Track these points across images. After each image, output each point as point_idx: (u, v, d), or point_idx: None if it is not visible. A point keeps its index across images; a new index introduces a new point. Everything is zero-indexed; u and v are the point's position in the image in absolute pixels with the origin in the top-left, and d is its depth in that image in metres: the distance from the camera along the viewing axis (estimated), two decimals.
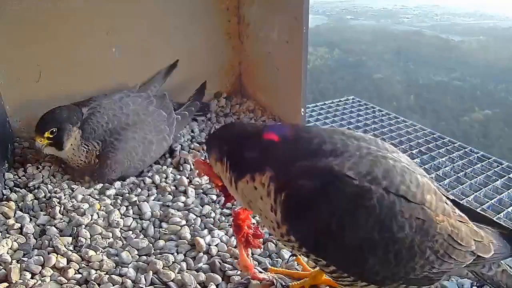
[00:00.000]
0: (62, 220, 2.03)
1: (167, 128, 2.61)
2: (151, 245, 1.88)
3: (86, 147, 2.36)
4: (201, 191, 2.28)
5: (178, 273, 1.71)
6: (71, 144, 2.33)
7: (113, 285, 1.65)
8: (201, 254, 1.82)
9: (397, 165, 1.24)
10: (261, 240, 1.72)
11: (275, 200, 1.22)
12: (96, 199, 2.20)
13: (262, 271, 1.71)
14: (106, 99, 2.51)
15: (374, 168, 1.20)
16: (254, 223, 1.67)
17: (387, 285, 1.28)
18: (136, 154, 2.42)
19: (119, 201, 2.21)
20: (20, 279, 1.67)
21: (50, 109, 2.35)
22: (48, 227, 1.97)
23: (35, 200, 2.19)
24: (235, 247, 1.78)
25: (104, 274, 1.71)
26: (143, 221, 2.06)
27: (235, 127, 1.54)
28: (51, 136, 2.29)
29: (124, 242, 1.92)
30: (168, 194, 2.27)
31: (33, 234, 1.95)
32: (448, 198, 1.39)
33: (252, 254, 1.83)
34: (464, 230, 1.30)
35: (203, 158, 1.53)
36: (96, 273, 1.70)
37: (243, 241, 1.61)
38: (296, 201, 1.19)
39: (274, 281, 1.64)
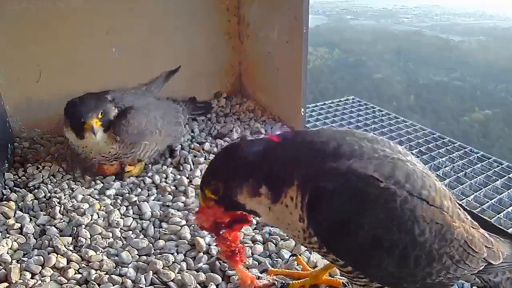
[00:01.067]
0: (62, 220, 2.03)
1: (183, 117, 2.72)
2: (151, 245, 1.88)
3: None
4: None
5: (178, 273, 1.71)
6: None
7: (113, 285, 1.65)
8: (201, 254, 1.82)
9: (416, 169, 1.24)
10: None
11: (302, 208, 1.20)
12: (96, 199, 2.20)
13: (261, 275, 1.71)
14: (122, 93, 2.52)
15: (395, 171, 1.19)
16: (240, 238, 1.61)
17: None
18: (155, 122, 2.45)
19: (119, 201, 2.21)
20: (20, 279, 1.67)
21: (82, 96, 2.29)
22: (48, 227, 1.97)
23: (35, 200, 2.19)
24: (232, 269, 1.70)
25: (104, 274, 1.71)
26: (143, 221, 2.06)
27: (247, 149, 1.30)
28: (100, 117, 2.23)
29: (124, 242, 1.92)
30: (168, 194, 2.27)
31: (33, 234, 1.95)
32: (460, 205, 1.39)
33: (252, 254, 1.83)
34: (477, 237, 1.31)
35: (200, 205, 1.39)
36: (96, 273, 1.70)
37: (237, 260, 1.54)
38: (319, 201, 1.17)
39: (276, 282, 1.65)
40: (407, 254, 1.17)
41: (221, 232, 1.45)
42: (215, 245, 1.85)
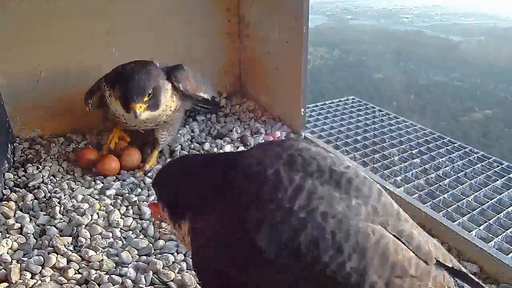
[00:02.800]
0: (62, 220, 2.03)
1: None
2: (151, 245, 1.88)
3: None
4: None
5: (178, 273, 1.71)
6: (165, 99, 2.32)
7: (113, 285, 1.65)
8: None
9: (341, 229, 1.00)
10: None
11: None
12: (96, 199, 2.20)
13: None
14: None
15: (299, 234, 0.97)
16: None
17: None
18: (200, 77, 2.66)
19: (119, 201, 2.21)
20: (20, 279, 1.67)
21: (133, 70, 2.26)
22: (48, 227, 1.97)
23: (35, 200, 2.19)
24: None
25: (104, 274, 1.71)
26: (143, 221, 2.06)
27: (173, 168, 1.39)
28: (147, 99, 2.20)
29: (124, 242, 1.92)
30: None
31: (33, 234, 1.95)
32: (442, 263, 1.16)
33: None
34: None
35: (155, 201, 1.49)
36: (96, 273, 1.70)
37: None
38: (197, 251, 1.12)
39: None
40: None
41: None
42: None
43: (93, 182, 2.38)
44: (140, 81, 2.19)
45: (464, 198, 2.31)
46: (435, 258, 1.13)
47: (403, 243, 1.08)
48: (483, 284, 1.23)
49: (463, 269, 1.21)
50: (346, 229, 1.00)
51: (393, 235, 1.07)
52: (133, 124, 2.43)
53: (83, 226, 1.97)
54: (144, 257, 1.81)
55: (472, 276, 1.22)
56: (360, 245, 0.99)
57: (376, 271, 0.99)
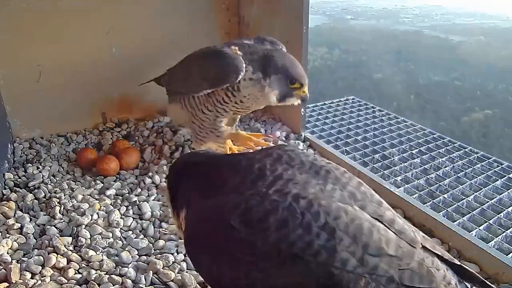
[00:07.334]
0: (62, 220, 2.03)
1: None
2: (151, 245, 1.88)
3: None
4: None
5: (178, 273, 1.71)
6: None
7: (113, 285, 1.65)
8: None
9: (311, 210, 1.05)
10: None
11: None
12: (96, 199, 2.20)
13: None
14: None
15: (270, 215, 1.04)
16: None
17: None
18: None
19: (119, 201, 2.21)
20: (20, 279, 1.67)
21: (284, 56, 2.13)
22: (48, 227, 1.97)
23: (35, 200, 2.19)
24: None
25: (104, 274, 1.71)
26: (143, 221, 2.06)
27: (183, 161, 1.50)
28: None
29: (124, 242, 1.92)
30: None
31: (33, 234, 1.94)
32: (439, 255, 1.18)
33: None
34: None
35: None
36: (96, 273, 1.70)
37: None
38: (187, 243, 1.22)
39: None
40: None
41: None
42: None
43: (93, 182, 2.38)
44: (299, 65, 2.12)
45: (464, 198, 2.32)
46: (422, 244, 1.16)
47: (384, 225, 1.12)
48: (481, 277, 1.24)
49: (456, 261, 1.23)
50: (316, 209, 1.06)
51: (374, 218, 1.12)
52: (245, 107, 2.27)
53: (83, 226, 1.97)
54: (144, 257, 1.81)
55: (469, 268, 1.24)
56: (330, 225, 1.04)
57: (347, 249, 1.03)
